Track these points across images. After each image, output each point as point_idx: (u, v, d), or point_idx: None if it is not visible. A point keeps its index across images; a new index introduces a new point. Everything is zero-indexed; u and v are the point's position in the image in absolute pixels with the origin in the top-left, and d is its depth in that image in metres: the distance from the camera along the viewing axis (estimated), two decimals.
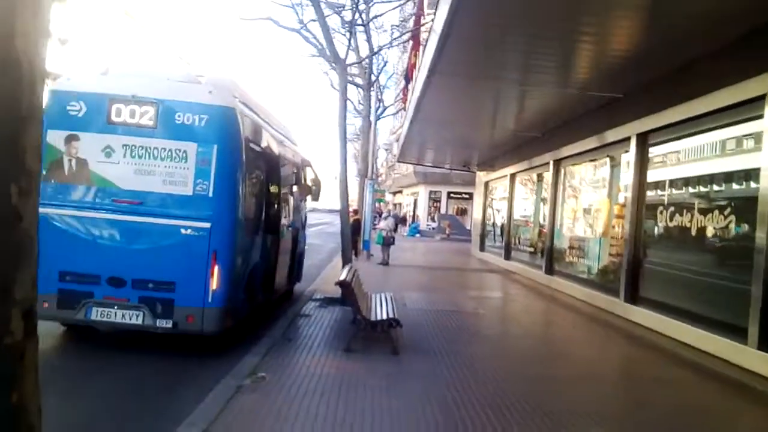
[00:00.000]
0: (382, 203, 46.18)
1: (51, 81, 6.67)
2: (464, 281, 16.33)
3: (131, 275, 6.37)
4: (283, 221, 9.40)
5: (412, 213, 52.96)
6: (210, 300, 6.42)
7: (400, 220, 43.35)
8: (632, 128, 10.39)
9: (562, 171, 14.58)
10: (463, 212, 45.07)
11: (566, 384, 6.51)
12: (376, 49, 19.40)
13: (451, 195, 46.45)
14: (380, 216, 21.46)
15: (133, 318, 6.38)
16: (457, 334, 8.76)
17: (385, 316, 7.36)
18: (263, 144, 8.18)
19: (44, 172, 6.43)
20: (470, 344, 8.12)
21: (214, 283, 6.42)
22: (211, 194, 6.44)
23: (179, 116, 6.44)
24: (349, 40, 11.67)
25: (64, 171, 6.43)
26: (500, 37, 8.43)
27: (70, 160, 6.44)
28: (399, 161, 34.59)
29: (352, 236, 19.90)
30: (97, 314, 6.37)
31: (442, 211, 46.68)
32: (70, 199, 6.43)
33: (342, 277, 7.35)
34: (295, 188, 10.73)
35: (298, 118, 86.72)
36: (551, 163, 14.80)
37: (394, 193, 66.44)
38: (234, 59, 67.70)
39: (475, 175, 25.75)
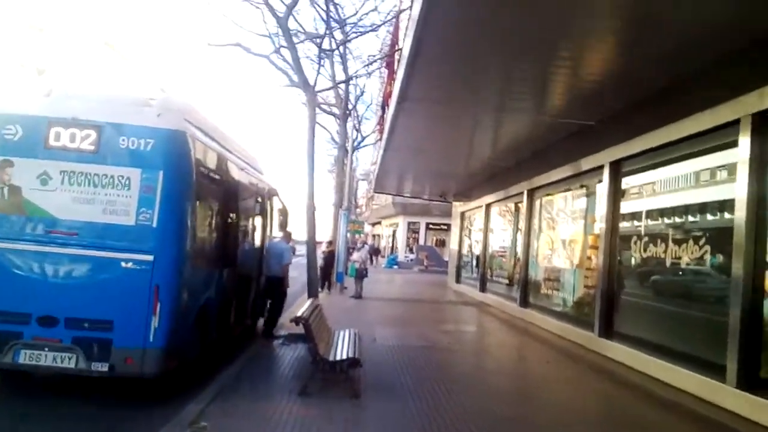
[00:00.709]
0: (359, 234, 45.75)
1: None
2: (438, 315, 15.85)
3: (64, 314, 5.81)
4: (242, 252, 8.92)
5: (391, 244, 52.57)
6: (151, 339, 5.87)
7: (374, 252, 42.75)
8: (605, 156, 10.18)
9: (537, 201, 14.34)
10: (442, 243, 44.77)
11: (539, 428, 6.06)
12: (350, 76, 19.21)
13: (430, 226, 46.22)
14: (354, 248, 20.97)
15: (65, 361, 5.79)
16: (426, 372, 8.29)
17: (345, 356, 6.87)
18: (219, 171, 7.74)
19: None
20: (440, 382, 7.61)
21: (155, 321, 5.89)
22: (155, 224, 5.96)
23: (123, 140, 5.99)
24: (319, 67, 11.43)
25: None
26: (470, 62, 8.18)
27: (1, 188, 5.93)
28: (375, 192, 34.40)
29: (325, 268, 19.59)
30: (25, 357, 5.77)
31: (421, 242, 46.37)
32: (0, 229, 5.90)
33: (299, 313, 6.86)
34: (258, 218, 10.27)
35: (275, 148, 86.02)
36: (525, 192, 14.57)
37: (374, 224, 66.07)
38: (210, 87, 67.42)
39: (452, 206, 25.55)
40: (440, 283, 26.42)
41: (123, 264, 5.90)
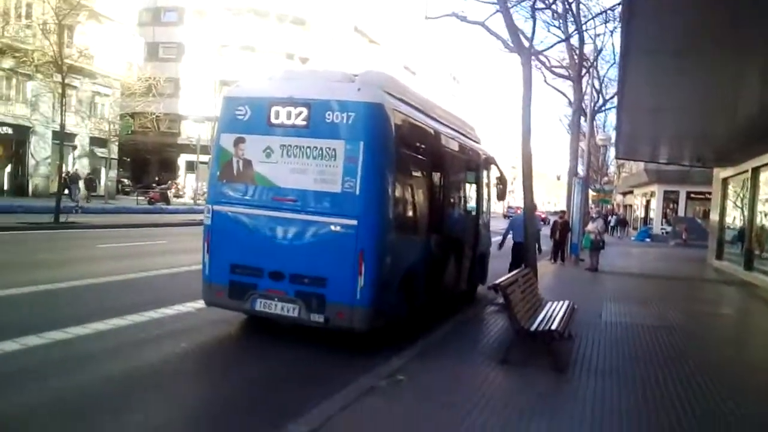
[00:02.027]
0: (606, 204, 42.51)
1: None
2: (686, 293, 13.99)
3: (289, 270, 6.60)
4: (452, 220, 9.01)
5: (644, 215, 47.91)
6: (358, 297, 6.35)
7: (621, 223, 38.97)
8: None
9: None
10: (705, 215, 39.24)
11: None
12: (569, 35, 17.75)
13: (691, 195, 40.76)
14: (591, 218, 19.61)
15: (290, 311, 6.60)
16: (650, 355, 7.41)
17: (552, 327, 6.52)
18: (424, 140, 7.91)
19: (217, 173, 7.05)
20: (663, 369, 6.74)
21: (362, 281, 6.34)
22: (358, 192, 6.36)
23: (329, 115, 6.49)
24: (534, 26, 10.82)
25: (233, 171, 6.96)
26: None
27: (238, 161, 6.94)
28: (617, 158, 31.52)
29: (558, 239, 18.78)
30: (260, 305, 6.74)
31: (680, 213, 41.30)
32: (239, 197, 6.92)
33: (500, 280, 6.71)
34: (472, 187, 10.27)
35: (502, 118, 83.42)
36: None
37: (624, 194, 60.93)
38: (434, 61, 68.35)
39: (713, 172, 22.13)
40: (698, 258, 23.31)
41: (332, 228, 6.45)
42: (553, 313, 7.28)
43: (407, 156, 7.32)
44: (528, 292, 7.69)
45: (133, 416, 4.51)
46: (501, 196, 11.73)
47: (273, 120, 6.74)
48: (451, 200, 9.04)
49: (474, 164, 10.29)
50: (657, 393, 5.76)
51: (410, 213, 7.58)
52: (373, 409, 4.79)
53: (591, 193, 38.88)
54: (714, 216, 22.12)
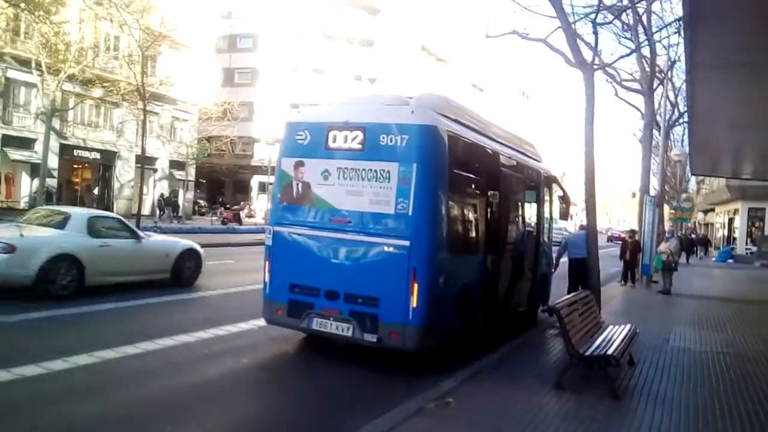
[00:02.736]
0: (685, 222, 40.47)
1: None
2: (765, 318, 13.13)
3: (343, 289, 6.78)
4: (510, 240, 8.94)
5: (727, 234, 45.24)
6: (410, 317, 6.43)
7: (701, 242, 36.44)
8: None
9: None
10: None
11: None
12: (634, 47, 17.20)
13: None
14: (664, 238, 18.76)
15: (344, 330, 6.76)
16: (717, 384, 7.05)
17: (609, 352, 6.35)
18: (481, 161, 7.95)
19: (278, 195, 7.37)
20: (728, 399, 6.41)
21: (414, 301, 6.42)
22: (410, 213, 6.48)
23: (383, 138, 6.66)
24: (596, 41, 10.64)
25: (293, 193, 7.25)
26: None
27: (297, 184, 7.23)
28: (693, 174, 30.04)
29: (628, 260, 18.08)
30: (317, 324, 6.93)
31: (767, 232, 38.73)
32: (298, 218, 7.18)
33: (556, 302, 6.61)
34: (531, 206, 10.15)
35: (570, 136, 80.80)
36: None
37: (705, 212, 57.83)
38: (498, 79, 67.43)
39: None
40: None
41: (386, 248, 6.58)
42: (613, 337, 7.08)
43: (462, 176, 7.38)
44: (587, 314, 7.51)
45: (187, 428, 4.78)
46: (564, 215, 11.54)
47: (330, 144, 6.98)
48: (509, 220, 8.97)
49: (534, 183, 10.18)
50: (717, 423, 5.49)
51: (465, 233, 7.61)
52: (419, 430, 4.83)
53: (668, 211, 37.24)
54: None
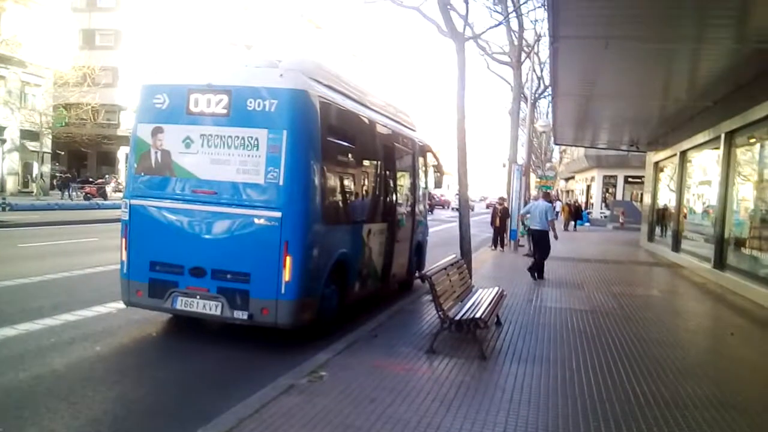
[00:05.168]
0: (548, 190, 43.51)
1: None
2: (616, 276, 14.42)
3: (210, 265, 6.38)
4: (386, 209, 8.93)
5: (584, 200, 49.36)
6: (283, 292, 6.19)
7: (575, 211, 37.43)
8: None
9: (739, 146, 12.10)
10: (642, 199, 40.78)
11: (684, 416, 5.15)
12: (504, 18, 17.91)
13: (629, 179, 42.36)
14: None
15: (213, 309, 6.38)
16: (574, 338, 7.57)
17: (477, 315, 6.54)
18: (355, 128, 7.79)
19: (135, 165, 6.72)
20: (585, 351, 6.90)
21: (286, 275, 6.18)
22: (281, 182, 6.19)
23: (250, 102, 6.27)
24: (467, 11, 10.80)
25: (151, 163, 6.65)
26: None
27: (156, 153, 6.63)
28: (556, 144, 32.24)
29: (498, 225, 19.05)
30: (181, 304, 6.49)
31: (618, 197, 42.76)
32: (157, 190, 6.62)
33: (427, 269, 6.68)
34: (406, 175, 10.21)
35: (441, 106, 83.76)
36: (723, 137, 12.37)
37: (567, 180, 62.65)
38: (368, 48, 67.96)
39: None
40: (632, 241, 24.18)
41: (256, 220, 6.26)
42: (481, 300, 7.32)
43: (335, 144, 7.17)
44: (458, 280, 7.71)
45: (27, 429, 4.23)
46: (438, 184, 11.76)
47: (192, 108, 6.46)
48: (384, 189, 8.95)
49: (409, 152, 10.24)
50: (577, 378, 5.86)
51: (339, 203, 7.46)
52: (289, 408, 4.66)
53: (534, 179, 39.66)
54: (646, 199, 22.93)
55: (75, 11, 40.20)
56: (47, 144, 34.72)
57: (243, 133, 6.30)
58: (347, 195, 7.69)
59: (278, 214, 6.19)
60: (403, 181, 10.09)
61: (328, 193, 7.01)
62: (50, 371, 5.44)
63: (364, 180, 8.23)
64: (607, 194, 44.58)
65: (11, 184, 30.64)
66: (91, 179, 39.17)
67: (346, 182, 7.65)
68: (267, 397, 4.88)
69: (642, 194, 40.07)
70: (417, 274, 7.42)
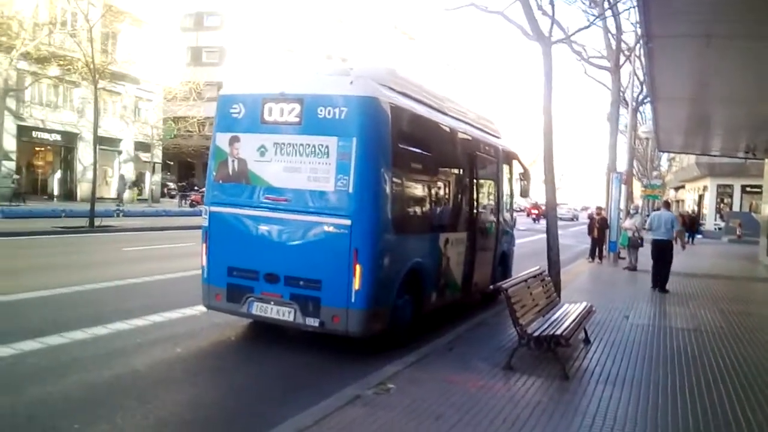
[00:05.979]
0: (655, 200, 40.82)
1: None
2: (726, 293, 13.11)
3: (284, 272, 6.41)
4: (466, 218, 8.63)
5: (696, 210, 45.86)
6: (353, 300, 6.10)
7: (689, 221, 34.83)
8: None
9: None
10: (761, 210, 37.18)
11: None
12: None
13: (746, 189, 38.76)
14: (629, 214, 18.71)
15: (286, 315, 6.41)
16: (672, 360, 6.87)
17: (559, 332, 6.10)
18: (430, 135, 7.59)
19: (214, 173, 6.92)
20: (682, 375, 6.23)
21: (356, 283, 6.09)
22: (351, 190, 6.11)
23: (321, 110, 6.25)
24: (553, 13, 10.29)
25: (228, 171, 6.81)
26: None
27: (233, 161, 6.79)
28: (661, 151, 30.15)
29: (598, 236, 18.01)
30: (257, 309, 6.57)
31: (735, 208, 39.31)
32: (234, 198, 6.75)
33: (503, 283, 6.33)
34: (490, 182, 9.85)
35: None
36: None
37: (676, 189, 58.59)
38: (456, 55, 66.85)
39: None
40: (749, 256, 22.09)
41: (326, 228, 6.22)
42: (566, 315, 6.85)
43: (409, 152, 7.01)
44: (541, 292, 7.27)
45: (99, 426, 4.39)
46: (524, 192, 11.29)
47: (266, 117, 6.55)
48: (464, 197, 8.66)
49: (492, 159, 9.88)
50: (671, 404, 5.28)
51: (413, 211, 7.28)
52: (350, 420, 4.52)
53: (640, 188, 37.35)
54: (766, 210, 20.85)
55: (183, 30, 43.06)
56: (158, 155, 37.36)
57: (314, 140, 6.30)
58: (422, 203, 7.50)
59: (347, 222, 6.12)
60: (486, 189, 9.74)
61: (400, 201, 6.86)
62: (131, 371, 5.66)
63: (441, 188, 8.00)
64: (722, 205, 41.13)
65: (128, 194, 33.19)
66: (196, 187, 41.61)
67: (420, 190, 7.46)
68: (331, 407, 4.78)
69: (761, 205, 36.77)
70: (491, 287, 7.04)
